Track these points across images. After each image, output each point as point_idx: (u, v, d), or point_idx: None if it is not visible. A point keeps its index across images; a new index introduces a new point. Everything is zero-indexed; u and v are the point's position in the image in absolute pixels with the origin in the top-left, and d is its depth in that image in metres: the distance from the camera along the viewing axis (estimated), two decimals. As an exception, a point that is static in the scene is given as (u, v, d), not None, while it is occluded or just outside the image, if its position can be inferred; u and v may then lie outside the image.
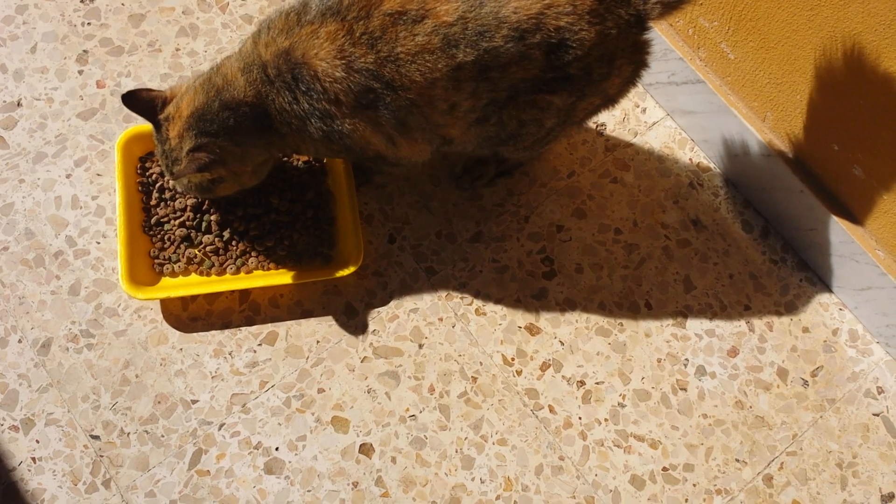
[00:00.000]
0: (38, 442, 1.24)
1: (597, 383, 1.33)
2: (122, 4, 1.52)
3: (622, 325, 1.37)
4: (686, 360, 1.36)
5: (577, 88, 1.15)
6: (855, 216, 1.33)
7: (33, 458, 1.23)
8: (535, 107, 1.16)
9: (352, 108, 1.12)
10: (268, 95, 1.14)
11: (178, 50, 1.49)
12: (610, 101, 1.23)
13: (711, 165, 1.49)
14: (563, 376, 1.33)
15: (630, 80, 1.21)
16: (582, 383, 1.33)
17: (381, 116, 1.13)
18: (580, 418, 1.31)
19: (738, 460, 1.30)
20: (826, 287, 1.42)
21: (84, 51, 1.48)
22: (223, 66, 1.18)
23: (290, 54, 1.11)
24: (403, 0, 1.07)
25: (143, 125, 1.33)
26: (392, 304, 1.36)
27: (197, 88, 1.18)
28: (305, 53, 1.10)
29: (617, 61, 1.15)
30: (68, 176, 1.39)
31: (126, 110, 1.43)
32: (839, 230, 1.34)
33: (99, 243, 1.35)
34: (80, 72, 1.46)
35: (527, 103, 1.15)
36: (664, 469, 1.29)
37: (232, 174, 1.21)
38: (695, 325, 1.38)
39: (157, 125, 1.21)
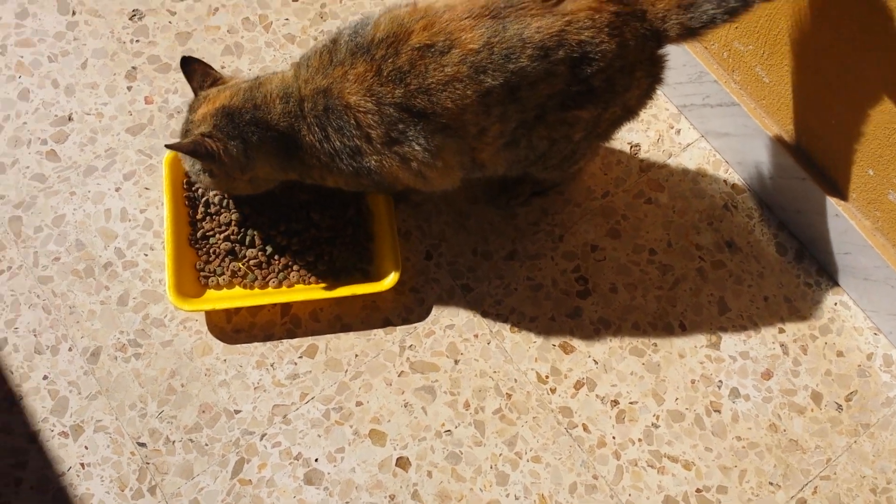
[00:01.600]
0: (86, 448, 1.27)
1: (631, 403, 1.35)
2: (170, 23, 1.56)
3: (656, 345, 1.39)
4: (720, 381, 1.37)
5: (602, 100, 1.18)
6: (890, 241, 1.34)
7: (82, 464, 1.27)
8: (564, 123, 1.19)
9: (382, 144, 1.16)
10: (300, 129, 1.19)
11: (223, 67, 1.53)
12: (630, 112, 1.26)
13: (746, 187, 1.50)
14: (596, 395, 1.35)
15: (647, 93, 1.24)
16: (616, 403, 1.35)
17: (411, 150, 1.16)
18: (614, 438, 1.33)
19: (771, 483, 1.31)
20: (860, 311, 1.43)
21: (133, 67, 1.52)
22: (266, 85, 1.22)
23: (325, 93, 1.16)
24: (430, 33, 1.11)
25: (190, 141, 1.37)
26: (428, 319, 1.39)
27: (241, 90, 1.22)
28: (340, 92, 1.15)
29: (636, 73, 1.18)
30: (117, 189, 1.43)
31: (173, 126, 1.48)
32: (874, 255, 1.35)
33: (147, 255, 1.39)
34: (129, 88, 1.51)
35: (556, 121, 1.18)
36: (698, 490, 1.30)
37: (225, 175, 1.24)
38: (729, 347, 1.39)
39: (196, 96, 1.27)
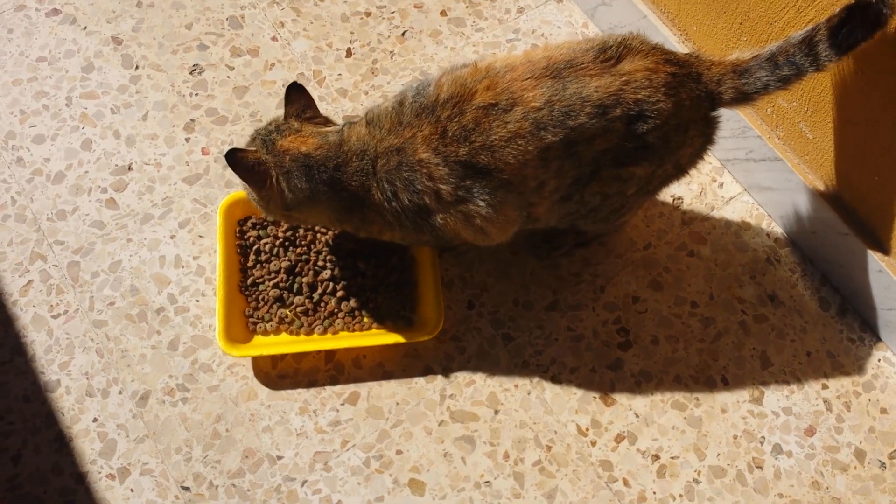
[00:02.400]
0: (132, 491, 1.31)
1: (672, 458, 1.34)
2: (228, 77, 1.63)
3: (698, 399, 1.39)
4: (762, 437, 1.36)
5: (657, 157, 1.20)
6: (937, 299, 1.33)
7: (129, 505, 1.30)
8: (619, 180, 1.22)
9: (450, 202, 1.20)
10: (370, 188, 1.22)
11: (275, 120, 1.59)
12: (681, 171, 1.28)
13: (788, 241, 1.50)
14: (637, 449, 1.35)
15: (699, 152, 1.27)
16: (657, 457, 1.34)
17: (476, 207, 1.20)
18: (654, 493, 1.32)
19: (814, 542, 1.29)
20: (907, 368, 1.41)
21: (191, 119, 1.59)
22: (349, 140, 1.23)
23: (398, 152, 1.19)
24: (494, 93, 1.15)
25: (242, 191, 1.42)
26: (469, 368, 1.40)
27: (330, 144, 1.23)
28: (414, 151, 1.19)
29: (690, 131, 1.21)
30: (172, 237, 1.49)
31: (227, 177, 1.53)
32: (920, 312, 1.34)
33: (198, 301, 1.44)
34: (187, 139, 1.57)
35: (611, 177, 1.21)
36: (739, 548, 1.28)
37: (264, 201, 1.26)
38: (772, 403, 1.38)
39: (287, 120, 1.26)
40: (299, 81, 1.37)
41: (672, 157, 1.22)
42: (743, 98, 1.21)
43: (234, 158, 1.21)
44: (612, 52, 1.16)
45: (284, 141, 1.24)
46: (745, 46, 1.39)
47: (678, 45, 1.52)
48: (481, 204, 1.19)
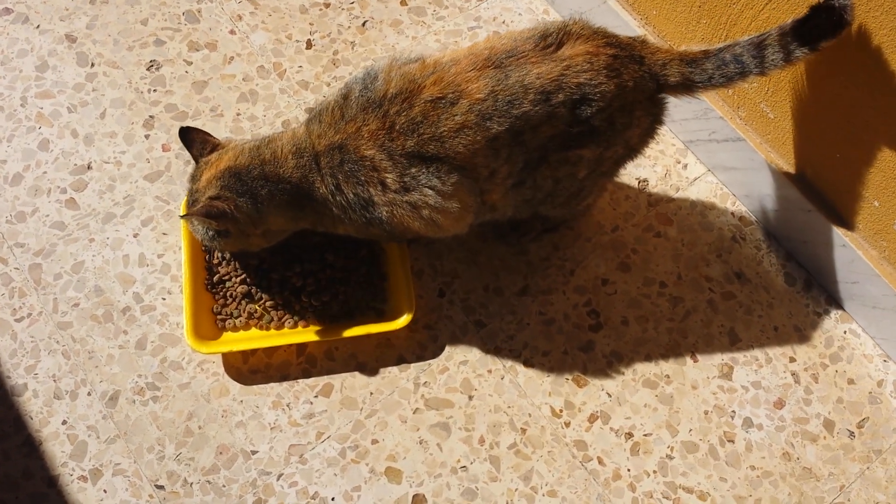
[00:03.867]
0: (105, 492, 1.29)
1: (645, 435, 1.36)
2: (186, 72, 1.61)
3: (668, 377, 1.40)
4: (733, 411, 1.38)
5: (604, 139, 1.22)
6: (898, 270, 1.35)
7: (102, 507, 1.28)
8: (567, 163, 1.23)
9: (396, 191, 1.20)
10: (314, 182, 1.23)
11: (238, 115, 1.57)
12: (632, 151, 1.30)
13: (753, 219, 1.52)
14: (611, 428, 1.36)
15: (648, 132, 1.29)
16: (630, 435, 1.36)
17: (423, 197, 1.20)
18: (629, 470, 1.33)
19: (787, 513, 1.31)
20: (870, 339, 1.43)
21: (150, 116, 1.57)
22: (274, 142, 1.26)
23: (340, 148, 1.20)
24: (441, 86, 1.17)
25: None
26: (442, 356, 1.40)
27: (244, 150, 1.26)
28: (356, 148, 1.19)
29: (636, 112, 1.23)
30: (135, 235, 1.47)
31: (189, 172, 1.51)
32: (882, 284, 1.36)
33: (164, 299, 1.42)
34: (147, 136, 1.55)
35: (559, 161, 1.22)
36: (714, 521, 1.30)
37: (240, 232, 1.28)
38: (741, 377, 1.40)
39: (197, 164, 1.30)
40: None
41: (620, 138, 1.24)
42: (687, 86, 1.23)
43: (190, 215, 1.24)
44: (552, 39, 1.18)
45: (204, 176, 1.26)
46: (705, 29, 1.41)
47: (638, 30, 1.53)
48: (429, 192, 1.19)
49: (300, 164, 1.23)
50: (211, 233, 1.29)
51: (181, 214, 1.26)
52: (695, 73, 1.22)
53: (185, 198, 1.32)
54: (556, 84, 1.16)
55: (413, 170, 1.19)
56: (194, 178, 1.29)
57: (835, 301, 1.46)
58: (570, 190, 1.28)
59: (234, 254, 1.41)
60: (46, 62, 1.61)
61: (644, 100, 1.23)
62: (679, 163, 1.57)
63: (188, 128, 1.32)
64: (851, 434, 1.37)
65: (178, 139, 1.53)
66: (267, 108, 1.58)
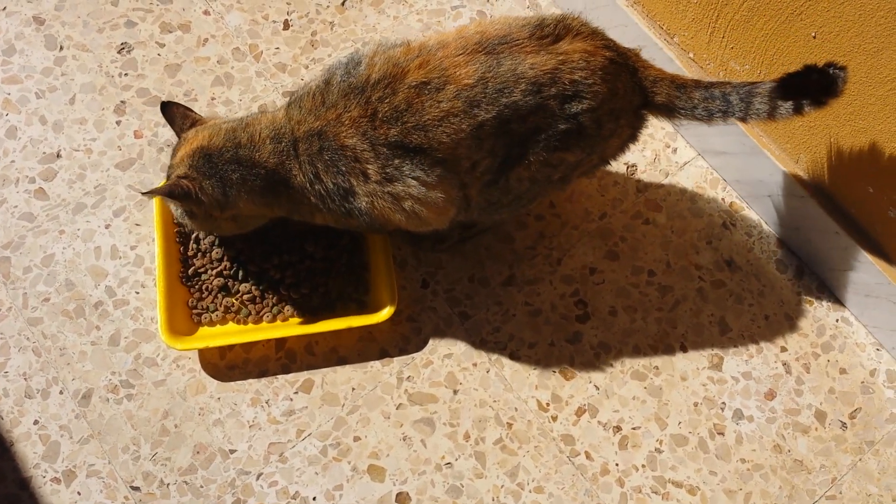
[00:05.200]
0: (79, 494, 1.25)
1: (633, 428, 1.33)
2: (159, 55, 1.55)
3: (657, 368, 1.37)
4: (723, 403, 1.35)
5: (588, 143, 1.19)
6: (891, 257, 1.32)
7: (75, 510, 1.24)
8: (548, 165, 1.19)
9: (378, 181, 1.15)
10: (291, 169, 1.18)
11: (213, 99, 1.51)
12: (603, 162, 1.29)
13: (744, 205, 1.49)
14: (598, 422, 1.33)
15: (623, 146, 1.27)
16: (618, 429, 1.33)
17: (405, 188, 1.15)
18: (617, 465, 1.30)
19: (777, 506, 1.29)
20: (862, 327, 1.41)
21: (122, 101, 1.51)
22: (252, 126, 1.21)
23: (319, 135, 1.16)
24: (426, 70, 1.12)
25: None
26: (426, 349, 1.37)
27: (221, 130, 1.22)
28: (336, 136, 1.15)
29: (621, 121, 1.20)
30: (107, 226, 1.42)
31: (163, 160, 1.46)
32: (875, 271, 1.33)
33: (138, 293, 1.37)
34: (118, 122, 1.49)
35: (540, 163, 1.18)
36: (703, 516, 1.28)
37: (204, 214, 1.23)
38: (731, 368, 1.37)
39: (179, 140, 1.27)
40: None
41: (602, 145, 1.21)
42: (670, 109, 1.22)
43: (155, 193, 1.21)
44: (549, 30, 1.14)
45: (179, 152, 1.22)
46: (696, 9, 1.36)
47: (626, 9, 1.48)
48: (412, 183, 1.15)
49: (278, 150, 1.18)
50: (180, 211, 1.25)
51: (144, 192, 1.22)
52: (681, 100, 1.21)
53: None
54: (551, 77, 1.12)
55: (396, 161, 1.14)
56: (173, 153, 1.25)
57: (827, 289, 1.43)
58: (533, 193, 1.24)
59: (220, 240, 1.36)
60: (13, 46, 1.54)
61: (630, 111, 1.21)
62: (668, 147, 1.53)
63: (169, 102, 1.28)
64: (843, 425, 1.34)
65: (151, 126, 1.48)
66: (243, 92, 1.52)
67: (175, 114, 1.28)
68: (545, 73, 1.12)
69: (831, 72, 1.13)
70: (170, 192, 1.19)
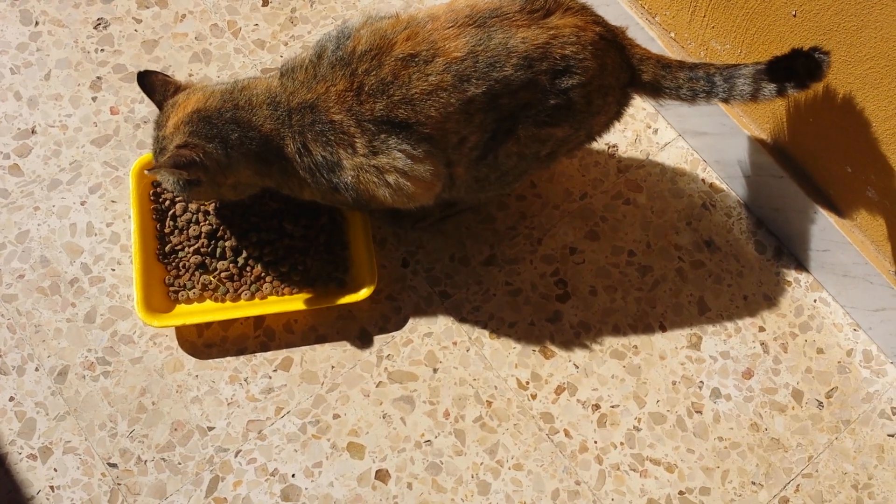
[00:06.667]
0: (55, 470, 1.24)
1: (612, 407, 1.33)
2: (136, 31, 1.53)
3: (637, 347, 1.37)
4: (701, 382, 1.36)
5: (577, 119, 1.19)
6: (869, 238, 1.33)
7: (51, 487, 1.23)
8: (537, 140, 1.19)
9: (365, 154, 1.14)
10: (284, 137, 1.16)
11: (190, 75, 1.50)
12: (589, 139, 1.29)
13: (724, 186, 1.49)
14: (578, 400, 1.33)
15: (609, 123, 1.28)
16: (597, 407, 1.33)
17: (391, 161, 1.15)
18: (596, 442, 1.31)
19: (754, 483, 1.30)
20: (840, 308, 1.42)
21: (98, 77, 1.49)
22: (250, 88, 1.19)
23: (311, 108, 1.15)
24: (414, 42, 1.11)
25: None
26: (406, 328, 1.36)
27: (214, 93, 1.19)
28: (326, 110, 1.14)
29: (609, 97, 1.21)
30: (83, 203, 1.40)
31: (139, 137, 1.44)
32: (853, 251, 1.34)
33: (114, 270, 1.36)
34: (94, 98, 1.47)
35: (529, 138, 1.18)
36: (680, 493, 1.29)
37: (211, 181, 1.20)
38: (709, 347, 1.38)
39: (161, 109, 1.22)
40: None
41: (590, 121, 1.21)
42: (656, 89, 1.23)
43: (158, 168, 1.17)
44: (539, 4, 1.14)
45: (171, 120, 1.18)
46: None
47: (621, 0, 1.48)
48: (398, 156, 1.14)
49: (274, 116, 1.16)
50: (181, 182, 1.21)
51: (147, 170, 1.19)
52: (666, 79, 1.21)
53: (151, 146, 1.23)
54: (542, 52, 1.11)
55: (382, 135, 1.13)
56: (159, 125, 1.20)
57: (805, 269, 1.44)
58: (521, 168, 1.24)
59: (196, 218, 1.34)
60: (-14, 19, 1.52)
61: (618, 87, 1.21)
62: (650, 127, 1.53)
63: (146, 71, 1.23)
64: (820, 404, 1.36)
65: (128, 103, 1.46)
66: (221, 69, 1.51)
67: (154, 82, 1.22)
68: (536, 48, 1.11)
69: (816, 56, 1.14)
70: (174, 164, 1.15)
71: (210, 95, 1.18)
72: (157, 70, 1.32)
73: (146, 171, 1.24)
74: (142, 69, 1.24)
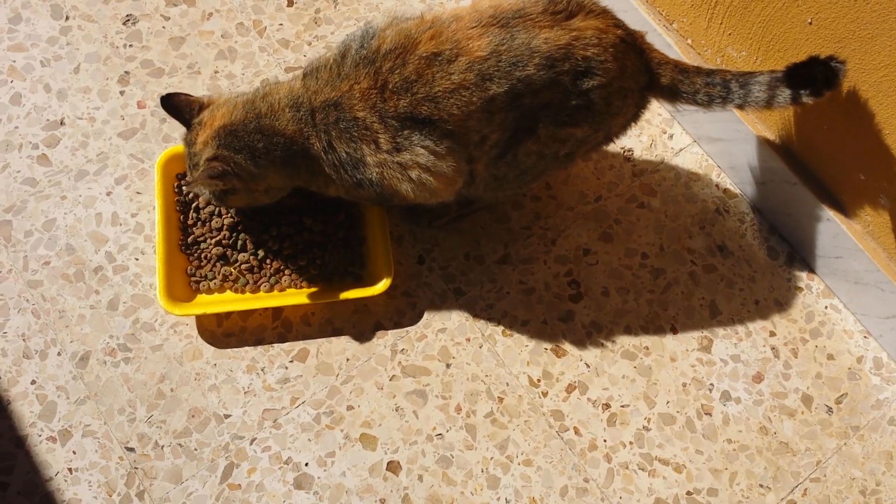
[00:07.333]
0: (74, 453, 1.27)
1: (622, 406, 1.35)
2: (163, 27, 1.56)
3: (648, 348, 1.39)
4: (711, 384, 1.37)
5: (597, 120, 1.21)
6: (881, 245, 1.34)
7: (70, 469, 1.26)
8: (557, 140, 1.21)
9: (388, 151, 1.17)
10: (309, 137, 1.20)
11: (216, 72, 1.53)
12: (607, 140, 1.31)
13: (738, 192, 1.51)
14: (588, 398, 1.35)
15: (626, 125, 1.30)
16: (607, 406, 1.35)
17: (414, 157, 1.17)
18: (605, 441, 1.32)
19: (761, 486, 1.31)
20: (851, 315, 1.43)
21: (126, 72, 1.52)
22: (271, 95, 1.22)
23: (335, 106, 1.18)
24: (438, 42, 1.13)
25: (181, 146, 1.37)
26: (420, 323, 1.38)
27: (237, 105, 1.23)
28: (351, 108, 1.17)
29: (628, 99, 1.23)
30: (108, 193, 1.43)
31: (165, 131, 1.48)
32: (864, 259, 1.35)
33: (137, 259, 1.39)
34: (122, 92, 1.51)
35: (549, 137, 1.20)
36: (688, 493, 1.30)
37: (245, 188, 1.25)
38: (720, 351, 1.39)
39: (189, 128, 1.26)
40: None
41: (609, 122, 1.23)
42: (673, 93, 1.25)
43: (194, 183, 1.23)
44: (562, 6, 1.16)
45: (200, 137, 1.22)
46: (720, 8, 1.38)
47: (638, 6, 1.50)
48: (421, 152, 1.16)
49: (297, 118, 1.20)
50: (218, 192, 1.26)
51: (185, 186, 1.24)
52: (684, 84, 1.23)
53: (185, 163, 1.29)
54: (564, 52, 1.14)
55: (406, 131, 1.16)
56: (189, 143, 1.25)
57: (817, 276, 1.45)
58: (539, 168, 1.26)
59: (208, 216, 1.38)
60: (20, 14, 1.56)
61: (637, 90, 1.23)
62: (665, 133, 1.55)
63: (169, 95, 1.27)
64: (829, 410, 1.37)
65: (154, 97, 1.50)
66: (245, 67, 1.54)
67: (178, 103, 1.26)
68: (559, 48, 1.13)
69: (833, 65, 1.17)
70: (210, 176, 1.20)
71: (234, 108, 1.22)
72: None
73: (184, 187, 1.30)
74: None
